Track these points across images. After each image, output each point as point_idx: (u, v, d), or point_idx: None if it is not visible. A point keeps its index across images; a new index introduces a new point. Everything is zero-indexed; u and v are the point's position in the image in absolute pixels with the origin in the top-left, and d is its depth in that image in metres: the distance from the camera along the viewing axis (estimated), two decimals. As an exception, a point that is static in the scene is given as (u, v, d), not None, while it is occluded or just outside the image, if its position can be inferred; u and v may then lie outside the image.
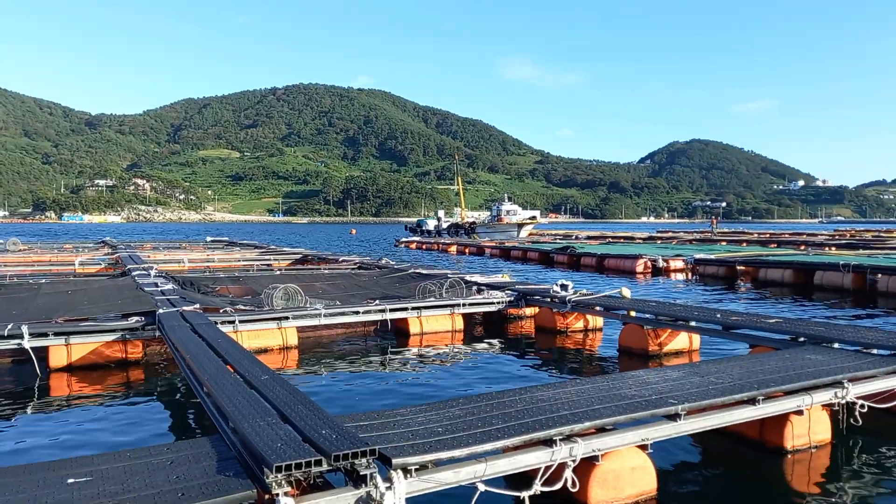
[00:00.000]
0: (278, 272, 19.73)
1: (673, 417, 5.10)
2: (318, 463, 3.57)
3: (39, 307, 11.39)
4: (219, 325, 9.29)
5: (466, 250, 43.12)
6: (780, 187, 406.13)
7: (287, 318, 10.54)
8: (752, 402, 5.53)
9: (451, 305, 12.12)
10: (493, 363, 9.89)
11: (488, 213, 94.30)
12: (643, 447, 4.91)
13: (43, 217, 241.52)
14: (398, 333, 11.84)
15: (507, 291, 13.01)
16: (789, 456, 5.77)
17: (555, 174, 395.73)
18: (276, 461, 3.46)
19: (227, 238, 46.54)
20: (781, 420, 5.81)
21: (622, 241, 45.96)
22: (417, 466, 3.95)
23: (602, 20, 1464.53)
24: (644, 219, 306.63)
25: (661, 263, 25.83)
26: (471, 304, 12.37)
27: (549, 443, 4.47)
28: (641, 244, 40.60)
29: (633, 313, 10.46)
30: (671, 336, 9.99)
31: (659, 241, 44.02)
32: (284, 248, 32.55)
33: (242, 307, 11.38)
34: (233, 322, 9.95)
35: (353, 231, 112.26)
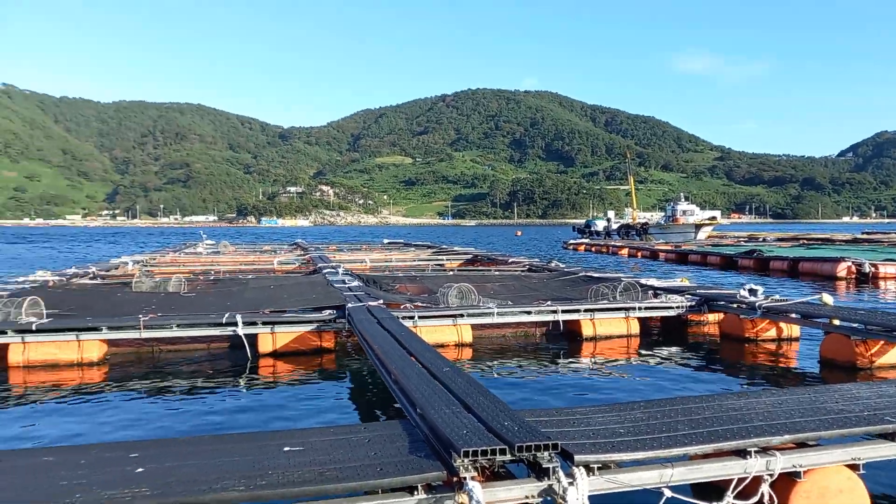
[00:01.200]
0: (451, 272, 20.44)
1: (891, 437, 4.55)
2: (503, 452, 3.69)
3: (248, 300, 12.87)
4: (400, 320, 9.86)
5: (638, 253, 41.46)
6: None
7: (462, 315, 10.91)
8: None
9: (626, 309, 11.76)
10: (672, 369, 9.45)
11: (662, 213, 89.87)
12: (853, 467, 4.43)
13: (245, 221, 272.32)
14: (570, 336, 11.73)
15: (686, 296, 12.33)
16: None
17: (737, 171, 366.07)
18: (464, 447, 3.64)
19: (402, 240, 49.06)
20: None
21: (819, 243, 41.40)
22: (600, 465, 3.92)
23: (788, 6, 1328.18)
24: (846, 219, 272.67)
25: (867, 269, 22.88)
26: (647, 308, 11.91)
27: (742, 454, 4.20)
28: (843, 247, 36.30)
29: (836, 322, 9.42)
30: (885, 348, 8.84)
31: (865, 244, 39.04)
32: (456, 249, 33.60)
33: (420, 304, 11.96)
34: (412, 318, 10.50)
35: (519, 233, 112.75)
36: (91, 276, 17.61)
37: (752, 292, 11.14)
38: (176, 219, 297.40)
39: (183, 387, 8.38)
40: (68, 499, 3.32)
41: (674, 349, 10.91)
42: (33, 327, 9.45)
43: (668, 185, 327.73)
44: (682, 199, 70.59)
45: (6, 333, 9.41)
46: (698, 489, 4.38)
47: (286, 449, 4.01)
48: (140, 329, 9.73)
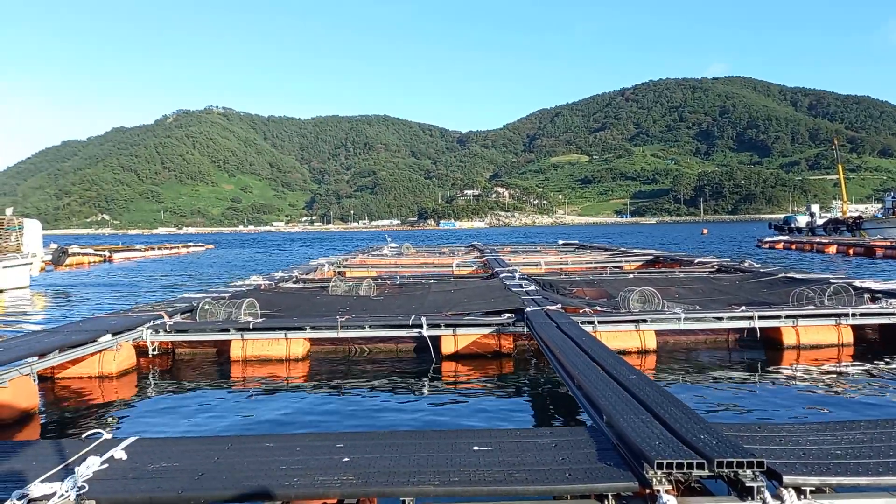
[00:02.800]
0: (631, 275, 19.69)
1: None
2: (700, 466, 3.50)
3: (431, 302, 13.49)
4: (579, 325, 9.73)
5: (850, 251, 36.80)
6: None
7: (645, 320, 10.48)
8: None
9: (837, 315, 10.50)
10: (894, 387, 8.28)
11: (878, 205, 79.02)
12: None
13: (425, 224, 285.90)
14: (768, 344, 10.74)
15: (914, 300, 10.74)
16: None
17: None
18: (657, 458, 3.51)
19: (576, 241, 48.19)
20: None
21: None
22: (813, 489, 3.56)
23: None
24: None
25: None
26: (862, 315, 10.54)
27: None
28: None
29: None
30: None
31: None
32: (634, 250, 32.28)
33: (599, 308, 11.70)
34: (592, 322, 10.29)
35: (705, 231, 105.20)
36: (294, 279, 19.57)
37: None
38: (364, 223, 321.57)
39: (374, 383, 9.01)
40: (287, 482, 3.74)
41: (898, 363, 9.54)
42: (250, 326, 10.73)
43: (888, 172, 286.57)
44: (906, 189, 61.32)
45: (229, 331, 10.79)
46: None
47: (475, 448, 4.16)
48: (338, 329, 10.62)
